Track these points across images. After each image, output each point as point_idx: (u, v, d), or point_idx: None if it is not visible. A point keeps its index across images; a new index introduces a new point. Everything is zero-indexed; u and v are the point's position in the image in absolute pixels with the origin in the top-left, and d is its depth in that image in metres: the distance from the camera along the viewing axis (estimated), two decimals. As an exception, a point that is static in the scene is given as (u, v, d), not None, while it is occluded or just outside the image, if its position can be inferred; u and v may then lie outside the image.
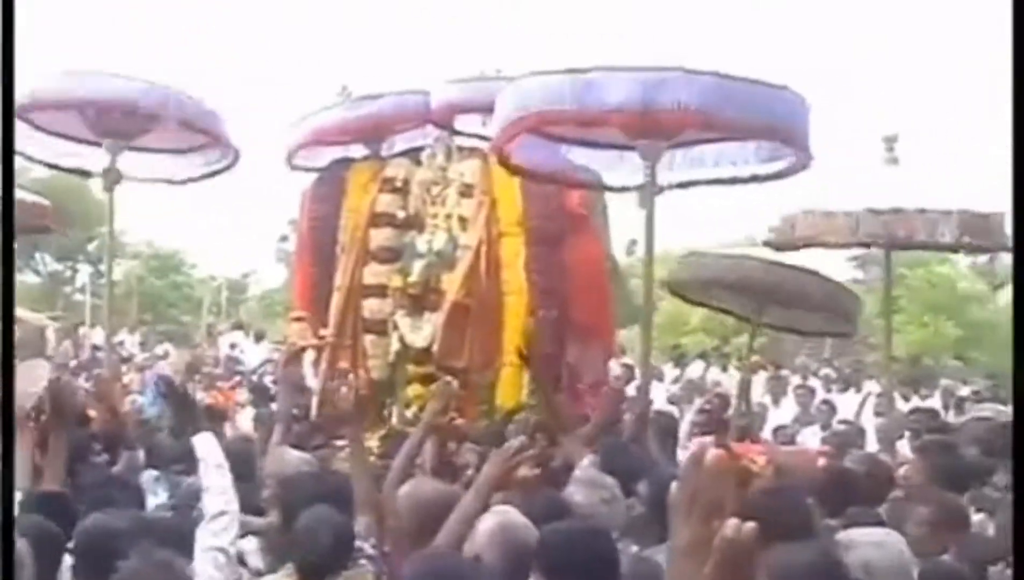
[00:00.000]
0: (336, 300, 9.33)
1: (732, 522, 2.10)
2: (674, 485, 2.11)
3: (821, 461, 7.40)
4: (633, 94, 6.86)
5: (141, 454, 8.12)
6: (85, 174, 10.40)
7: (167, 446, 8.24)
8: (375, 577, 5.12)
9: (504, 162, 8.00)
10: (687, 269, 9.73)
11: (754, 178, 8.05)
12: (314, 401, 9.63)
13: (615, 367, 15.82)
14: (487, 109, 8.76)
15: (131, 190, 9.90)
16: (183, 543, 5.05)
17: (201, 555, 5.07)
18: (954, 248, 9.93)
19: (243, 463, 6.80)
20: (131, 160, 9.77)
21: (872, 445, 11.37)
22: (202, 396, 13.64)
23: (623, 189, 8.19)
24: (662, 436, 8.50)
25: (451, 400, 6.69)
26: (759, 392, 16.18)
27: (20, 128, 8.38)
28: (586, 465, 6.39)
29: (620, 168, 8.23)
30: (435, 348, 8.71)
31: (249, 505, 5.99)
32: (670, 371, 19.62)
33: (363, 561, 5.33)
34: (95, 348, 20.97)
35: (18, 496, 5.21)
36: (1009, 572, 5.38)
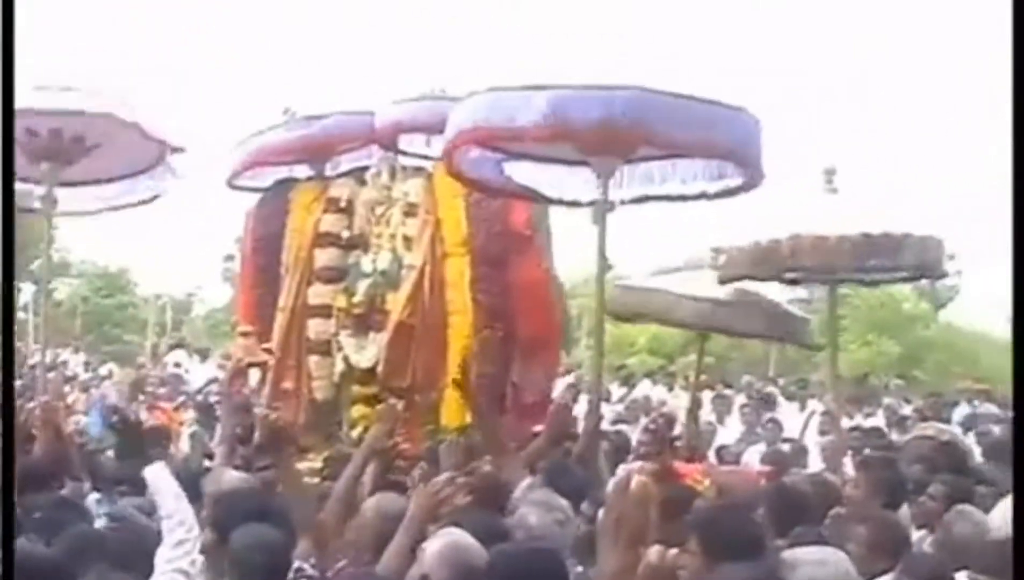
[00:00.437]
0: (280, 321, 9.28)
1: (656, 548, 2.12)
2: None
3: (763, 481, 7.43)
4: (589, 112, 6.88)
5: (86, 478, 8.04)
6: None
7: (110, 467, 8.17)
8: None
9: (451, 171, 7.98)
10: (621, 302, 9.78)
11: (703, 195, 8.07)
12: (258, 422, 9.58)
13: (560, 387, 15.88)
14: (432, 129, 8.78)
15: (75, 205, 9.71)
16: (132, 563, 5.03)
17: (163, 575, 5.06)
18: (900, 276, 9.99)
19: (189, 483, 6.79)
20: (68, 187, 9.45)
21: (814, 463, 11.43)
22: (146, 416, 13.55)
23: (574, 204, 8.20)
24: (613, 455, 8.53)
25: (395, 423, 6.66)
26: (705, 411, 16.25)
27: None
28: (526, 486, 6.40)
29: (571, 183, 8.24)
30: (380, 368, 8.69)
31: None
32: (616, 391, 19.63)
33: (303, 580, 5.33)
34: (32, 368, 20.75)
35: None
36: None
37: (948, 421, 15.73)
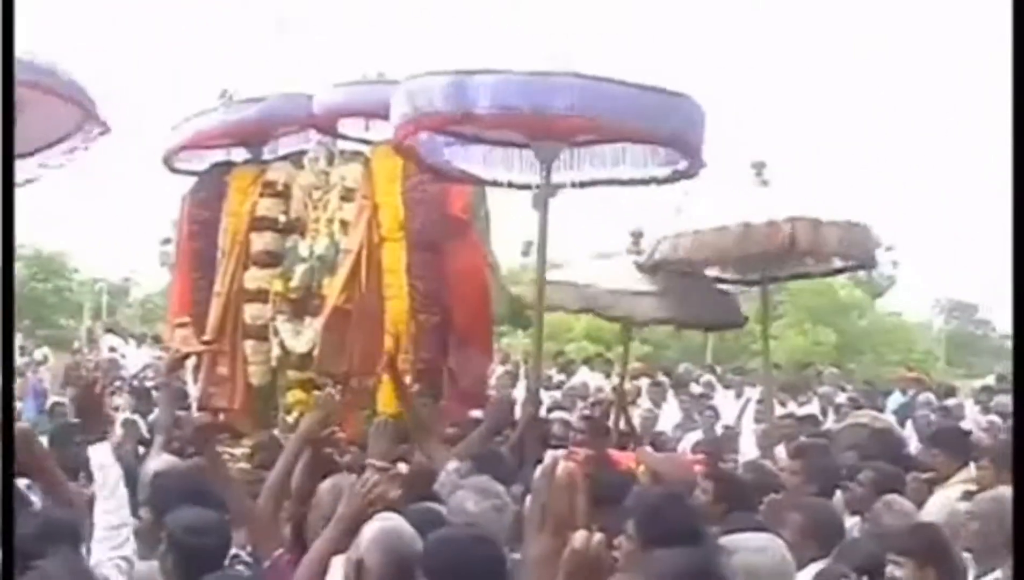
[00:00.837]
0: (216, 305, 9.24)
1: (581, 534, 2.11)
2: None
3: (698, 467, 7.46)
4: (525, 97, 6.87)
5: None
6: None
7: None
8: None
9: (401, 152, 7.95)
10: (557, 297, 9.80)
11: (653, 180, 8.08)
12: (194, 407, 9.54)
13: (497, 373, 15.89)
14: (370, 113, 8.77)
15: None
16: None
17: (104, 563, 5.01)
18: (832, 267, 10.06)
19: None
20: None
21: (749, 450, 11.49)
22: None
23: (524, 187, 8.18)
24: (548, 442, 8.54)
25: (332, 412, 6.61)
26: (643, 399, 16.30)
27: None
28: (452, 470, 6.40)
29: (519, 165, 8.24)
30: (316, 353, 8.66)
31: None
32: (554, 378, 19.64)
33: (240, 567, 5.30)
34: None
35: None
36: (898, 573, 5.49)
37: (883, 409, 15.89)
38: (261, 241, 9.15)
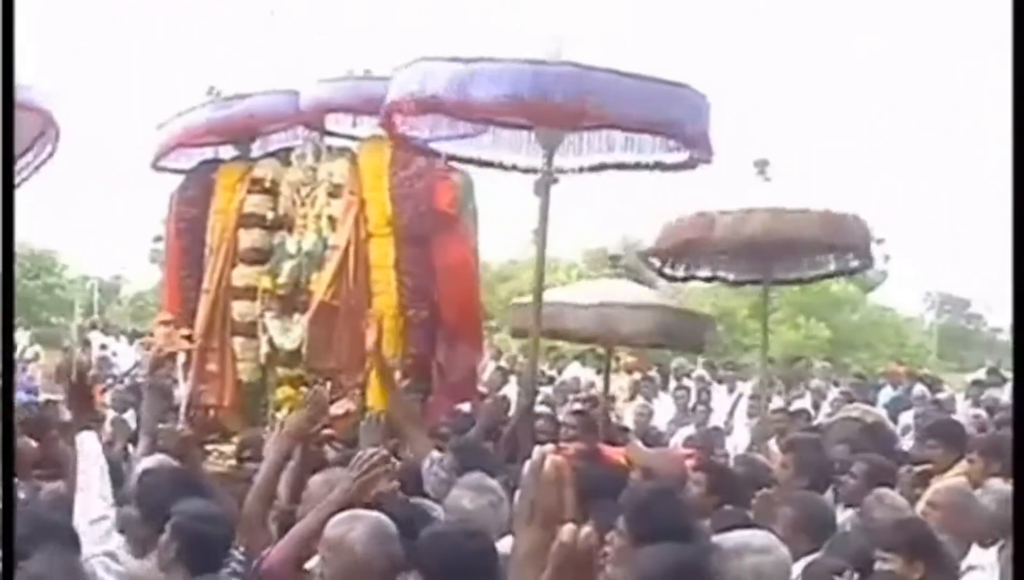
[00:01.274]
0: (204, 303, 9.20)
1: (568, 527, 2.09)
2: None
3: (689, 462, 7.46)
4: (525, 85, 6.86)
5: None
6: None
7: (27, 451, 8.05)
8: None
9: (393, 134, 7.91)
10: (520, 318, 9.79)
11: (658, 165, 8.06)
12: (183, 405, 9.52)
13: (490, 369, 15.88)
14: (358, 109, 8.77)
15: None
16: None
17: (91, 560, 4.98)
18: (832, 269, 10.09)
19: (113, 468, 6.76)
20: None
21: (740, 445, 11.51)
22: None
23: (530, 170, 8.15)
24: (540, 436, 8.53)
25: (320, 411, 6.58)
26: (634, 394, 16.31)
27: None
28: (436, 460, 6.39)
29: (526, 148, 8.21)
30: (304, 350, 8.63)
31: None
32: (546, 372, 19.65)
33: (234, 565, 5.29)
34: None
35: None
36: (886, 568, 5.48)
37: (875, 403, 15.92)
38: (249, 238, 9.11)
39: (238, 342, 9.13)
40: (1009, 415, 9.53)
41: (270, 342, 8.91)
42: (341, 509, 4.89)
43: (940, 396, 17.60)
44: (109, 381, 17.74)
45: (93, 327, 27.62)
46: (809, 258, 9.98)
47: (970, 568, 6.05)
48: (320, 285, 8.60)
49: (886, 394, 17.98)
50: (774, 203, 8.92)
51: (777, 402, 14.79)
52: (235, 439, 8.66)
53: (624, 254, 10.16)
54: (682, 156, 7.85)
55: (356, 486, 5.17)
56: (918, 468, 7.96)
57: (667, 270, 10.05)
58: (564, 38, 7.19)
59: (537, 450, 2.30)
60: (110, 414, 12.53)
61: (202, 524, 5.04)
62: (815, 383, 17.84)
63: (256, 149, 9.58)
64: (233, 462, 8.20)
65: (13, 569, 4.37)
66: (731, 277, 10.43)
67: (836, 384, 18.73)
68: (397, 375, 8.07)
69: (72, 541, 4.92)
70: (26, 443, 8.37)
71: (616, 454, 7.89)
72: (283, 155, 9.30)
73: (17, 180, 8.75)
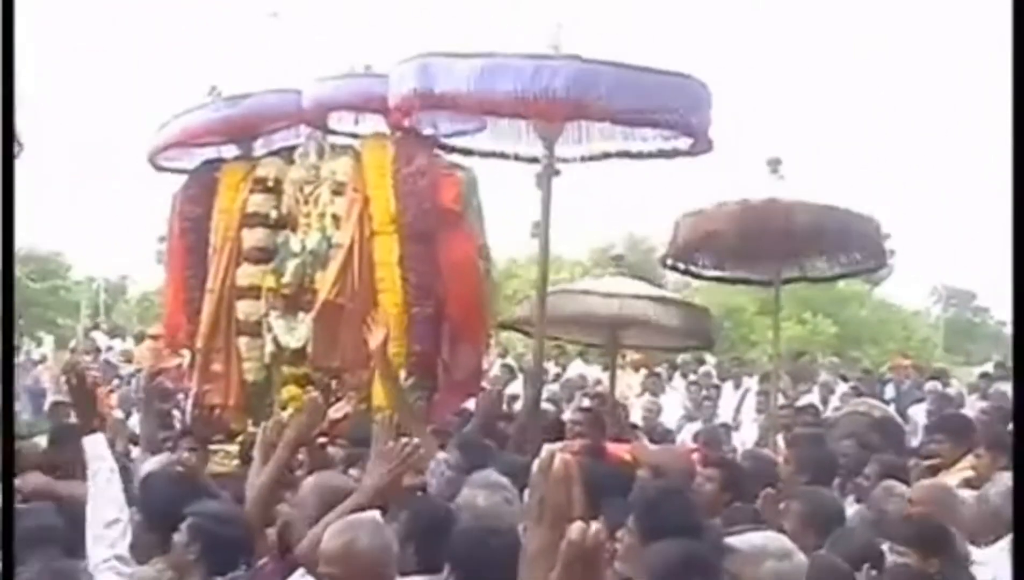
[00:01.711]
0: (208, 302, 9.20)
1: (577, 525, 2.07)
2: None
3: (695, 457, 7.44)
4: (525, 79, 6.84)
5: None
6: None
7: (39, 453, 8.04)
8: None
9: (399, 127, 7.88)
10: (525, 308, 9.77)
11: (661, 153, 8.03)
12: (188, 404, 9.52)
13: (496, 368, 15.86)
14: (360, 106, 8.77)
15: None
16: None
17: (100, 566, 4.96)
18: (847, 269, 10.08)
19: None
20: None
21: (747, 441, 11.48)
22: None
23: (532, 160, 8.13)
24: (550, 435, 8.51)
25: (319, 416, 6.55)
26: (642, 390, 16.28)
27: None
28: (441, 459, 6.38)
29: (526, 138, 8.20)
30: (309, 349, 8.62)
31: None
32: (551, 370, 19.60)
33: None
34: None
35: None
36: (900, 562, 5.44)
37: (882, 397, 15.87)
38: (252, 237, 9.11)
39: (243, 341, 9.13)
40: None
41: (275, 341, 8.91)
42: (372, 501, 4.93)
43: (948, 390, 17.56)
44: (116, 382, 17.70)
45: (96, 328, 27.62)
46: (826, 256, 9.97)
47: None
48: (324, 283, 8.60)
49: (892, 388, 17.94)
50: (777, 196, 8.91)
51: (786, 398, 14.76)
52: (240, 439, 8.66)
53: (627, 253, 10.12)
54: (683, 144, 7.83)
55: (390, 477, 5.20)
56: (926, 463, 7.92)
57: (679, 266, 10.06)
58: (564, 30, 7.18)
59: (546, 448, 2.27)
60: (118, 415, 12.50)
61: (221, 525, 5.01)
62: (823, 378, 17.79)
63: (259, 148, 9.58)
64: (237, 462, 8.20)
65: (13, 569, 4.35)
66: (742, 275, 10.41)
67: (844, 379, 18.68)
68: (402, 373, 8.07)
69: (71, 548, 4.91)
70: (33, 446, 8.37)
71: (622, 451, 7.87)
72: (286, 154, 9.30)
73: None
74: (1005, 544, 5.79)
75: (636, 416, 13.41)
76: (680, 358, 19.90)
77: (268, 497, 5.80)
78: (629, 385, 16.28)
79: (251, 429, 8.60)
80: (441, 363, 8.44)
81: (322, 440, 7.17)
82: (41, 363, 22.12)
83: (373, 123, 8.87)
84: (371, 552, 4.38)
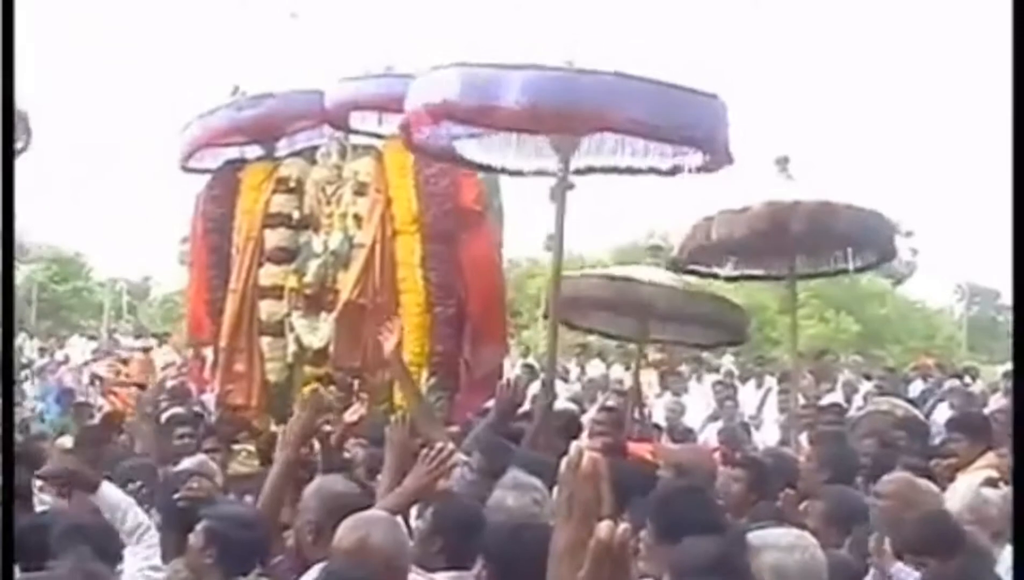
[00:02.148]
0: (231, 302, 9.22)
1: (606, 523, 2.07)
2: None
3: (717, 455, 7.43)
4: (547, 94, 6.78)
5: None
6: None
7: (55, 455, 8.08)
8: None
9: (410, 144, 7.85)
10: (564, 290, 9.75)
11: (676, 169, 8.00)
12: (211, 404, 9.56)
13: (517, 368, 15.86)
14: (383, 106, 8.78)
15: (31, 191, 9.52)
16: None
17: (136, 577, 4.99)
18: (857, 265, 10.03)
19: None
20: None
21: (769, 440, 11.45)
22: (102, 402, 13.47)
23: (544, 173, 8.10)
24: (566, 434, 8.50)
25: (320, 409, 6.55)
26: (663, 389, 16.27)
27: None
28: (461, 463, 6.38)
29: (535, 152, 8.16)
30: (331, 349, 8.64)
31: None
32: (574, 370, 19.61)
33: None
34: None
35: None
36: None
37: (906, 396, 15.81)
38: (275, 237, 9.14)
39: (265, 341, 9.16)
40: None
41: (297, 341, 8.93)
42: (414, 500, 4.97)
43: (971, 389, 17.49)
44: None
45: (113, 333, 27.77)
46: (837, 252, 9.93)
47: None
48: (346, 283, 8.64)
49: (916, 387, 17.88)
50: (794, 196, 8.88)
51: (809, 398, 14.72)
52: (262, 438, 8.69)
53: (664, 246, 10.03)
54: (699, 160, 7.77)
55: (428, 478, 5.24)
56: (944, 462, 7.89)
57: (700, 269, 10.03)
58: (579, 40, 7.13)
59: (574, 446, 2.28)
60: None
61: (236, 527, 5.02)
62: (846, 377, 17.74)
63: (281, 148, 9.61)
64: (259, 462, 8.22)
65: (13, 569, 4.37)
66: (756, 273, 10.37)
67: (868, 378, 18.63)
68: (424, 373, 8.09)
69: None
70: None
71: (643, 450, 7.87)
72: (308, 154, 9.33)
73: None
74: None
75: (659, 416, 13.41)
76: (703, 356, 19.89)
77: (278, 494, 5.80)
78: (650, 383, 16.27)
79: (273, 429, 8.65)
80: (463, 363, 8.46)
81: (337, 434, 7.16)
82: (64, 364, 22.24)
83: (395, 123, 8.88)
84: (384, 548, 4.40)
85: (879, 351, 31.62)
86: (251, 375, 9.18)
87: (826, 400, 14.33)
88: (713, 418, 14.51)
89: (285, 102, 9.28)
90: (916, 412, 10.92)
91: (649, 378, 16.34)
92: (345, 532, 4.46)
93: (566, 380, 17.43)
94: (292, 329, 8.95)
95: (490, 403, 8.79)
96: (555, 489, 2.66)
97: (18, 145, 8.63)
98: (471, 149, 8.13)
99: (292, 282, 8.98)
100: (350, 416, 7.56)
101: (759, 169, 9.50)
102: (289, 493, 5.79)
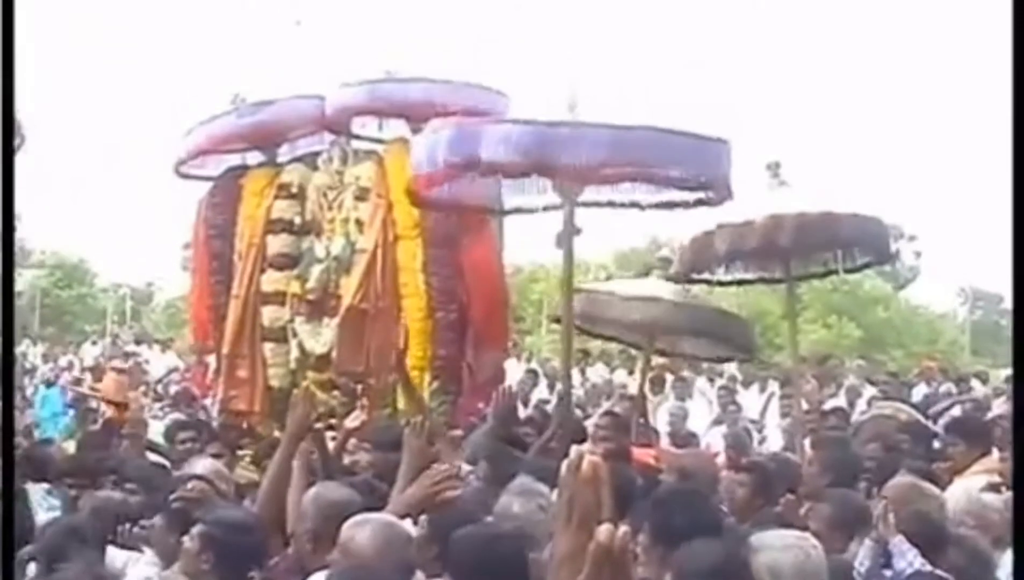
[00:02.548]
0: (234, 308, 9.22)
1: (605, 527, 2.07)
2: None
3: (720, 460, 7.44)
4: (552, 148, 6.68)
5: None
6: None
7: (60, 459, 8.10)
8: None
9: (417, 202, 7.79)
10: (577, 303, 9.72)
11: (677, 205, 7.95)
12: (214, 410, 9.56)
13: (520, 374, 15.88)
14: (383, 112, 8.81)
15: (35, 196, 9.54)
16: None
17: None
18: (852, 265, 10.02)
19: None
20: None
21: (772, 445, 11.45)
22: (104, 408, 13.47)
23: (552, 208, 8.02)
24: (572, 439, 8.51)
25: (312, 407, 6.55)
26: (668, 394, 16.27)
27: None
28: (466, 472, 6.39)
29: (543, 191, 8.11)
30: (334, 354, 8.64)
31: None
32: (576, 375, 19.59)
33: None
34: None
35: None
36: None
37: (907, 401, 15.79)
38: (277, 243, 9.13)
39: (268, 347, 9.16)
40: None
41: (300, 347, 8.94)
42: (417, 510, 4.99)
43: (974, 393, 17.49)
44: (142, 388, 17.82)
45: (115, 337, 27.87)
46: (829, 254, 9.92)
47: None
48: (349, 289, 8.64)
49: (920, 391, 17.89)
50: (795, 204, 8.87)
51: (813, 403, 14.70)
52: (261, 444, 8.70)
53: (672, 258, 9.97)
54: (700, 196, 7.69)
55: (425, 495, 5.25)
56: (944, 466, 7.88)
57: (692, 276, 10.02)
58: (579, 46, 7.08)
59: (575, 449, 2.28)
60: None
61: (233, 532, 5.02)
62: (850, 382, 17.74)
63: (282, 154, 9.60)
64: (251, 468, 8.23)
65: (13, 569, 4.38)
66: (752, 276, 10.36)
67: (871, 382, 18.63)
68: (427, 378, 8.10)
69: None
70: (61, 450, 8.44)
71: (646, 455, 7.87)
72: (310, 159, 9.33)
73: None
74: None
75: (662, 421, 13.42)
76: (705, 363, 19.89)
77: (273, 495, 5.82)
78: (653, 388, 16.27)
79: (277, 435, 8.65)
80: (466, 367, 8.46)
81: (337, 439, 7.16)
82: (68, 370, 22.32)
83: (396, 128, 8.90)
84: (372, 550, 4.43)
85: (882, 356, 31.62)
86: (254, 381, 9.17)
87: (829, 405, 14.33)
88: (716, 423, 14.52)
89: (286, 108, 9.28)
90: (919, 416, 10.92)
91: (651, 383, 16.35)
92: (345, 528, 4.51)
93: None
94: (295, 335, 8.96)
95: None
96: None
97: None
98: (476, 194, 8.05)
99: (294, 288, 8.98)
100: (351, 422, 7.55)
101: (757, 177, 9.49)
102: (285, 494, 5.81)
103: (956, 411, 14.56)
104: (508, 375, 9.51)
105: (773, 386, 16.58)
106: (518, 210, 8.12)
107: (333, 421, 7.89)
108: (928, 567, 5.25)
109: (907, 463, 7.68)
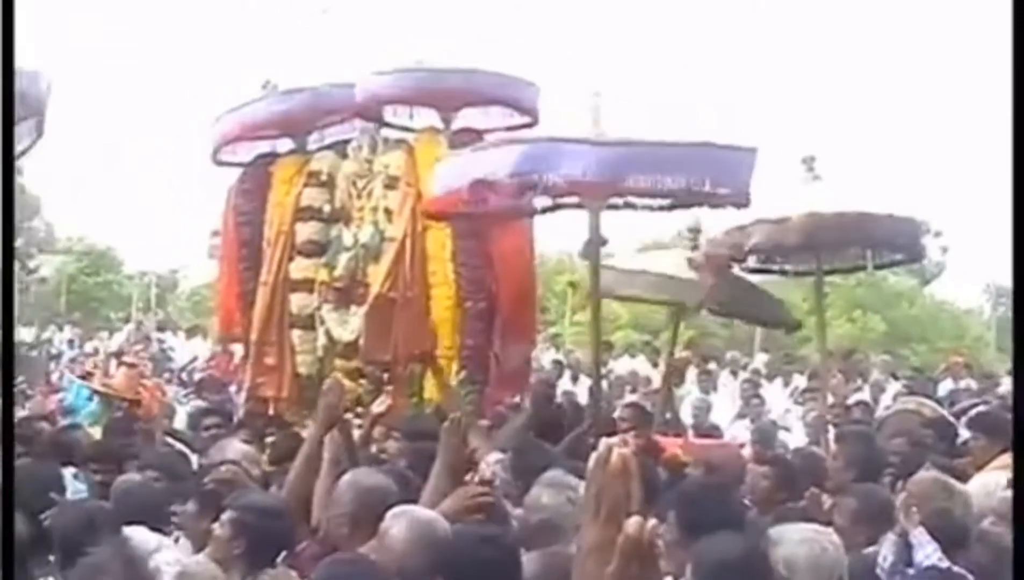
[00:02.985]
0: (262, 295, 9.25)
1: (635, 520, 2.07)
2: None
3: (746, 452, 7.43)
4: (591, 168, 6.71)
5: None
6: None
7: (87, 444, 8.13)
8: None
9: (435, 214, 7.82)
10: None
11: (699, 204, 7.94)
12: (242, 398, 9.59)
13: (546, 363, 15.86)
14: (414, 100, 8.84)
15: (64, 184, 9.58)
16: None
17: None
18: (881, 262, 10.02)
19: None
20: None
21: (797, 438, 11.42)
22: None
23: (577, 206, 8.04)
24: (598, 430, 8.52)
25: (340, 396, 6.57)
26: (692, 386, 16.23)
27: None
28: (493, 461, 6.39)
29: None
30: (361, 342, 8.66)
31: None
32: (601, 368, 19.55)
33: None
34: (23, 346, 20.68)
35: None
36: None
37: (931, 396, 15.73)
38: (306, 231, 9.16)
39: (296, 334, 9.19)
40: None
41: (328, 334, 8.96)
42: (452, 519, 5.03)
43: (999, 390, 17.37)
44: (166, 375, 17.90)
45: (166, 324, 27.94)
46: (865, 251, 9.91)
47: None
48: (377, 277, 8.66)
49: (946, 386, 17.78)
50: (823, 201, 8.87)
51: (834, 395, 14.66)
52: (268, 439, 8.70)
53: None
54: (719, 200, 7.69)
55: (458, 506, 5.26)
56: (965, 461, 7.85)
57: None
58: (604, 42, 7.10)
59: (603, 442, 2.28)
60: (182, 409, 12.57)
61: (263, 517, 5.04)
62: (875, 377, 17.66)
63: (312, 142, 9.63)
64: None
65: (14, 569, 4.41)
66: (774, 268, 10.36)
67: (895, 377, 18.53)
68: (454, 367, 8.11)
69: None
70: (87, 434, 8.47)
71: (673, 445, 7.88)
72: (339, 148, 9.34)
73: None
74: None
75: (685, 414, 13.39)
76: (729, 355, 19.85)
77: (301, 482, 5.84)
78: (677, 381, 16.24)
79: (295, 429, 8.67)
80: (493, 357, 8.47)
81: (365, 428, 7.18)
82: (93, 356, 22.34)
83: (427, 117, 8.91)
84: (403, 544, 4.45)
85: (906, 351, 31.47)
86: (282, 368, 9.22)
87: (854, 399, 14.28)
88: (740, 416, 14.49)
89: (316, 96, 9.29)
90: (944, 412, 10.88)
91: (674, 376, 16.32)
92: (387, 519, 4.53)
93: (589, 376, 17.38)
94: (322, 322, 8.98)
95: (518, 397, 8.81)
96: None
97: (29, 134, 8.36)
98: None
99: (323, 275, 9.01)
100: (377, 407, 7.56)
101: (789, 170, 9.46)
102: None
103: (981, 407, 14.53)
104: (536, 365, 9.55)
105: (798, 380, 16.54)
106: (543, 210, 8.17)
107: (360, 409, 7.89)
108: (946, 562, 5.24)
109: (932, 458, 7.67)
